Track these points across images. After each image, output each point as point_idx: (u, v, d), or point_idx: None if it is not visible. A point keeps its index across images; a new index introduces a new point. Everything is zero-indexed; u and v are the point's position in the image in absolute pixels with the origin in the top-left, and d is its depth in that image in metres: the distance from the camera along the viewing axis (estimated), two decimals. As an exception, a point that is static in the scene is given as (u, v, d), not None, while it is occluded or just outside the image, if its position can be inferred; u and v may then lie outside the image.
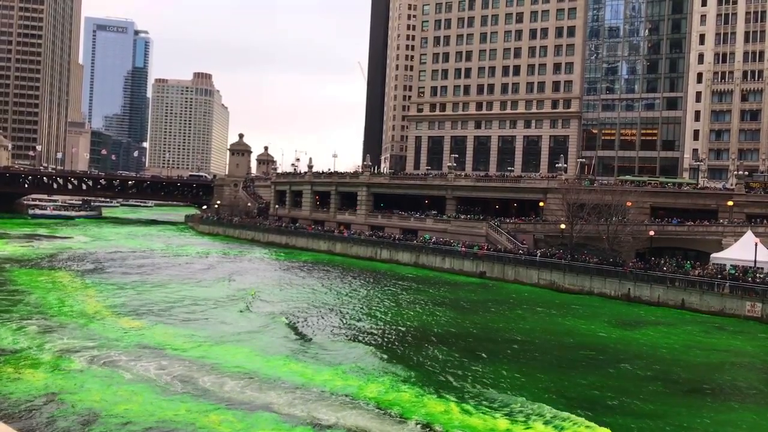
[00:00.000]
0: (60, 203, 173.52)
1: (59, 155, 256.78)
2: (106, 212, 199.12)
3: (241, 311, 55.90)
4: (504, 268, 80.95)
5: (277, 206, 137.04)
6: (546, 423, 30.91)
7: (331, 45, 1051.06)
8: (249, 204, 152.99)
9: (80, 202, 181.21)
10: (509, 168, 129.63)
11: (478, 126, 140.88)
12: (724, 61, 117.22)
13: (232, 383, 34.57)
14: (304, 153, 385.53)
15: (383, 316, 56.43)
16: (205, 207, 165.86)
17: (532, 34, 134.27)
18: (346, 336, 48.30)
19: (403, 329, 51.27)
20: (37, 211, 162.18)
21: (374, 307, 61.11)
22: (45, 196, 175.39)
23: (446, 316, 57.57)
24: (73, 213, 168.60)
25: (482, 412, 32.00)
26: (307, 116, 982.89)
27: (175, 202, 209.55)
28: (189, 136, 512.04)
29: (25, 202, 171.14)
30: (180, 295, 61.67)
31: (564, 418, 31.53)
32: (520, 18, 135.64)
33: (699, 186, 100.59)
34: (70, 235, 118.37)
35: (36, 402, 30.70)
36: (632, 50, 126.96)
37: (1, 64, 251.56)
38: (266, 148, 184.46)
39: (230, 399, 32.42)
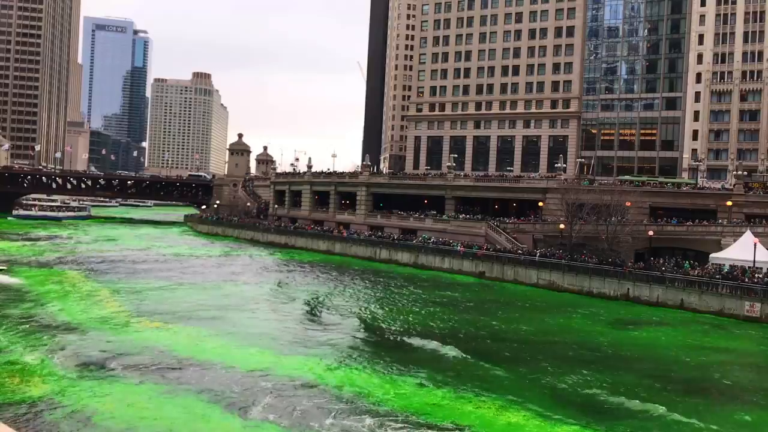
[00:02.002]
0: (60, 203, 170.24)
1: (58, 155, 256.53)
2: (99, 212, 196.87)
3: (249, 310, 55.95)
4: (503, 268, 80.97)
5: (276, 206, 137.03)
6: (545, 422, 30.97)
7: (330, 45, 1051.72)
8: (248, 204, 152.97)
9: (69, 202, 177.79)
10: (508, 168, 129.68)
11: (477, 126, 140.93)
12: (723, 61, 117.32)
13: (237, 383, 34.56)
14: (304, 153, 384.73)
15: (382, 316, 56.45)
16: (204, 207, 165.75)
17: (532, 34, 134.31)
18: (346, 336, 48.36)
19: (402, 329, 51.25)
20: (21, 212, 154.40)
21: (373, 307, 61.12)
22: (44, 196, 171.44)
23: (445, 316, 57.60)
24: (61, 214, 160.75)
25: (482, 409, 32.06)
26: (307, 116, 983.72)
27: (174, 202, 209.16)
28: (188, 136, 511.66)
29: (25, 201, 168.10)
30: (179, 294, 61.68)
31: (564, 417, 31.58)
32: (519, 18, 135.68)
33: (698, 186, 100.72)
34: (55, 235, 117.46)
35: (38, 404, 30.66)
36: (631, 50, 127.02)
37: (1, 64, 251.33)
38: (265, 148, 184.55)
39: (234, 400, 32.43)
